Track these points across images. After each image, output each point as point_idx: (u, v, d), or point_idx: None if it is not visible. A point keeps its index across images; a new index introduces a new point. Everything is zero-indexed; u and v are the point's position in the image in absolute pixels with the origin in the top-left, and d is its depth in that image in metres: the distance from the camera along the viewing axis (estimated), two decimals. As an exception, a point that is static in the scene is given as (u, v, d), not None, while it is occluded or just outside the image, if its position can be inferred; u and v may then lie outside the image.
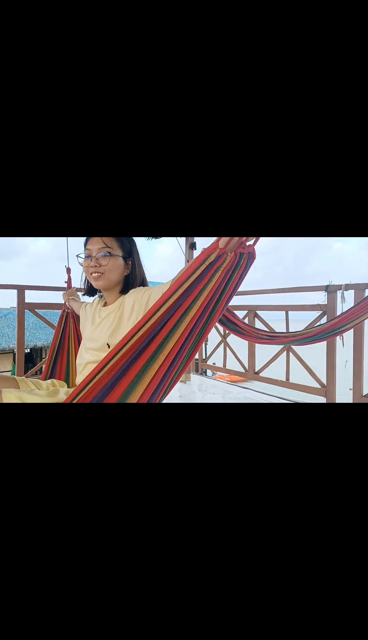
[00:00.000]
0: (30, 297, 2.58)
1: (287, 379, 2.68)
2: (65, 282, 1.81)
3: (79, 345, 1.29)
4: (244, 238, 0.76)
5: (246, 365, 3.13)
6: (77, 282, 1.80)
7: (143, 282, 1.06)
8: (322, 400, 2.41)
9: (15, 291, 2.52)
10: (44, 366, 1.45)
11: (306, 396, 2.48)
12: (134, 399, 0.81)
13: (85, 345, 1.06)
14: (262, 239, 0.84)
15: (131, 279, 1.04)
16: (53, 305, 2.72)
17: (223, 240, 0.75)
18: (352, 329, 2.01)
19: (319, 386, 2.44)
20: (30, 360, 10.73)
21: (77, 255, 1.05)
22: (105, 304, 1.09)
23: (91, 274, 1.01)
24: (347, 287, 2.12)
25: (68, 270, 1.80)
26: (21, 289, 2.51)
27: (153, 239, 3.17)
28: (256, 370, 3.02)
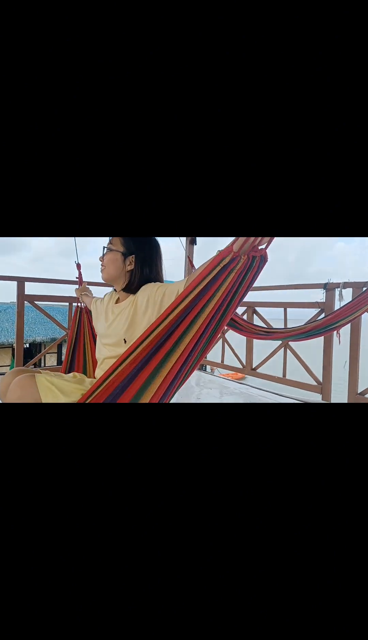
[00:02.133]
0: (31, 291, 2.59)
1: (284, 375, 2.69)
2: (76, 277, 1.79)
3: (94, 340, 1.39)
4: (257, 241, 0.78)
5: (244, 361, 3.15)
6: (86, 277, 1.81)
7: (150, 281, 1.07)
8: (318, 397, 2.43)
9: (15, 286, 2.52)
10: (63, 360, 1.52)
11: (302, 393, 2.50)
12: (151, 392, 0.85)
13: (101, 341, 1.10)
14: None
15: (133, 276, 1.06)
16: (53, 297, 2.72)
17: (238, 243, 0.78)
18: (350, 328, 2.02)
19: (315, 383, 2.45)
20: (29, 356, 10.68)
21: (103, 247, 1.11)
22: (117, 301, 1.13)
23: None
24: (345, 285, 2.13)
25: (78, 266, 1.79)
26: (21, 281, 2.52)
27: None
28: (253, 366, 3.04)
